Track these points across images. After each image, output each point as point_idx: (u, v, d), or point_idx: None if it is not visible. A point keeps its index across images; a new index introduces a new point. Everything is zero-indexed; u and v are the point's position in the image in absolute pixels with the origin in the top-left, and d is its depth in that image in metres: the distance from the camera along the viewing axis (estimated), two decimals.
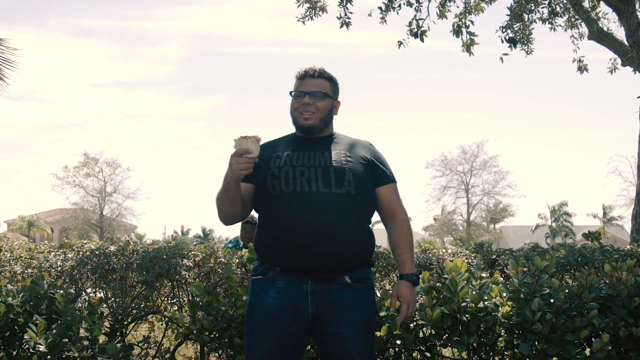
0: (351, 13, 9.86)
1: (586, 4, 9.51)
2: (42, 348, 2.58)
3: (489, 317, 2.59)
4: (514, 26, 10.08)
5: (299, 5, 10.25)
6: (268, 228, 2.20)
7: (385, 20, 9.80)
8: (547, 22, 10.38)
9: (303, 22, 10.36)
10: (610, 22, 10.04)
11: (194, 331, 2.99)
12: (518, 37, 10.13)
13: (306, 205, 2.10)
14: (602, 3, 9.52)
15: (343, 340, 2.12)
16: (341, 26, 9.97)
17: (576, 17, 10.44)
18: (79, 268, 3.85)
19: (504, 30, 10.14)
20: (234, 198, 2.13)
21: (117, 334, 3.78)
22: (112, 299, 3.83)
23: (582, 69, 10.78)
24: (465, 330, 2.60)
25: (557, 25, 10.45)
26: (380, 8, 9.67)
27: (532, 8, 10.07)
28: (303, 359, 2.49)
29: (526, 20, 10.13)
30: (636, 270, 2.68)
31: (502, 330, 2.66)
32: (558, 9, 10.35)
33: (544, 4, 10.17)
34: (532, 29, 10.26)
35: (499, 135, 62.07)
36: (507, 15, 10.03)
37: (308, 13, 10.30)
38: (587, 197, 64.05)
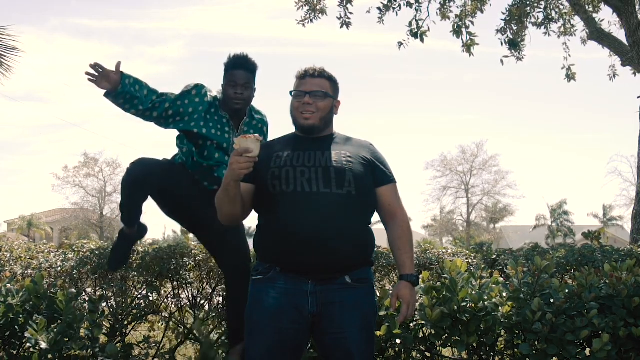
0: (351, 13, 9.90)
1: (587, 6, 9.53)
2: (43, 345, 2.58)
3: (489, 317, 2.59)
4: (513, 27, 10.09)
5: (298, 8, 10.28)
6: (268, 228, 2.20)
7: (382, 21, 9.82)
8: (541, 27, 10.39)
9: (303, 24, 10.39)
10: (611, 25, 10.07)
11: (194, 331, 2.99)
12: (517, 39, 10.14)
13: (307, 205, 2.10)
14: (602, 5, 9.53)
15: (343, 341, 2.12)
16: (341, 26, 10.00)
17: (571, 23, 10.47)
18: (79, 268, 3.85)
19: (503, 32, 10.15)
20: (234, 198, 2.13)
21: (117, 334, 3.78)
22: (112, 299, 3.83)
23: (570, 77, 10.81)
24: (465, 330, 2.60)
25: (551, 31, 10.47)
26: (379, 8, 9.69)
27: (529, 12, 10.09)
28: (304, 359, 2.49)
29: (523, 23, 10.14)
30: (636, 270, 2.68)
31: (502, 330, 2.66)
32: (554, 14, 10.38)
33: (540, 8, 10.18)
34: (525, 35, 10.28)
35: (499, 135, 62.10)
36: (502, 19, 10.04)
37: (308, 15, 10.32)
38: (587, 197, 64.06)
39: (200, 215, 2.96)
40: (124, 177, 2.91)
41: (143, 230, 3.27)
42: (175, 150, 3.16)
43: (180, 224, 3.25)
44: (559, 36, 10.70)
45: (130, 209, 3.02)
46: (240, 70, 2.96)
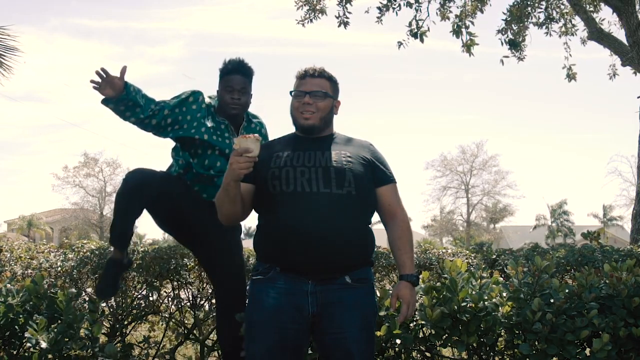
0: (350, 13, 9.93)
1: (587, 5, 9.54)
2: (43, 345, 2.58)
3: (489, 317, 2.59)
4: (513, 28, 10.10)
5: (298, 8, 10.29)
6: (268, 228, 2.19)
7: (381, 20, 9.85)
8: (543, 27, 10.41)
9: (303, 24, 10.40)
10: (611, 24, 10.09)
11: (194, 331, 2.99)
12: (518, 39, 10.16)
13: (307, 205, 2.10)
14: (602, 5, 9.54)
15: (343, 341, 2.11)
16: (339, 25, 10.03)
17: (572, 22, 10.49)
18: (79, 268, 3.85)
19: (503, 32, 10.16)
20: (234, 198, 2.13)
21: (117, 334, 3.78)
22: (112, 299, 3.83)
23: (570, 77, 10.82)
24: (465, 330, 2.60)
25: (552, 31, 10.50)
26: (378, 8, 9.71)
27: (529, 12, 10.11)
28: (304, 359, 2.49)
29: (524, 23, 10.15)
30: (636, 270, 2.68)
31: (502, 330, 2.66)
32: (554, 14, 10.40)
33: (541, 8, 10.20)
34: (526, 35, 10.30)
35: (499, 135, 62.16)
36: (503, 19, 10.05)
37: (308, 15, 10.34)
38: (587, 197, 64.12)
39: (200, 217, 2.90)
40: (120, 188, 2.82)
41: (129, 261, 3.11)
42: (170, 160, 3.08)
43: (176, 235, 3.13)
44: (560, 36, 10.72)
45: (125, 221, 2.85)
46: (237, 75, 2.89)
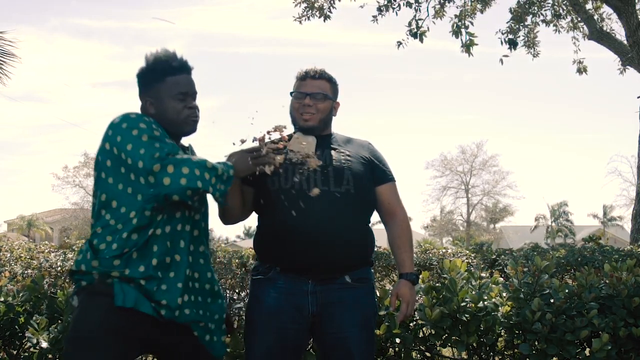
0: (334, 7, 10.09)
1: (588, 5, 9.57)
2: (44, 344, 2.59)
3: (489, 317, 2.59)
4: (517, 28, 10.13)
5: (296, 5, 10.33)
6: (267, 227, 2.20)
7: (376, 20, 9.92)
8: (551, 25, 10.45)
9: (300, 21, 10.43)
10: (613, 22, 10.12)
11: None
12: (523, 40, 10.19)
13: (305, 203, 2.10)
14: (604, 4, 9.57)
15: (343, 340, 2.11)
16: (319, 17, 10.15)
17: (578, 18, 10.53)
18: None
19: (505, 33, 10.18)
20: (231, 192, 2.10)
21: None
22: None
23: (581, 70, 10.85)
24: (465, 330, 2.60)
25: (560, 27, 10.55)
26: (378, 9, 9.75)
27: (535, 11, 10.14)
28: (304, 359, 2.49)
29: (529, 23, 10.19)
30: (636, 270, 2.68)
31: (502, 330, 2.66)
32: (561, 11, 10.43)
33: (547, 6, 10.24)
34: (538, 32, 10.35)
35: (499, 135, 62.21)
36: (507, 22, 10.07)
37: (305, 13, 10.38)
38: (587, 197, 64.20)
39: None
40: None
41: None
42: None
43: None
44: (567, 31, 10.76)
45: None
46: (185, 74, 2.02)
